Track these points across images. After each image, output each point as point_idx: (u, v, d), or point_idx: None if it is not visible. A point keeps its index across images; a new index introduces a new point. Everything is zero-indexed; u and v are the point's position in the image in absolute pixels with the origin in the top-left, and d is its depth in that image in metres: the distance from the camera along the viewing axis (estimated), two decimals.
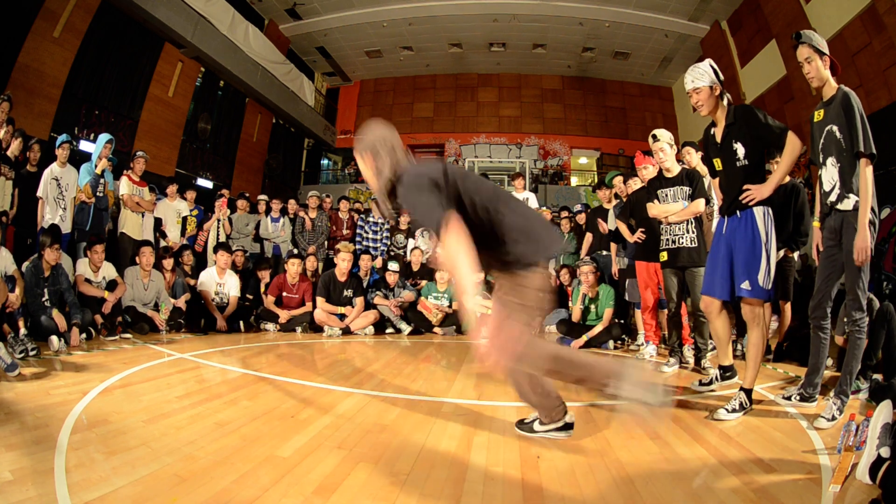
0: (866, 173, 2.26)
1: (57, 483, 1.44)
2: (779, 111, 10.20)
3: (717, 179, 2.73)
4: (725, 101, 2.54)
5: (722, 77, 2.55)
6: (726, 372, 2.92)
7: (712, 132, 2.65)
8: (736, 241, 2.48)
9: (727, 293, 2.53)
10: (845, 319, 2.50)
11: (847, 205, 2.34)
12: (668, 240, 3.56)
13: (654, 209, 3.61)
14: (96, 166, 5.17)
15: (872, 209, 2.30)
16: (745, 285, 2.42)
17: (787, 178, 4.06)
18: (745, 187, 2.45)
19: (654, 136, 3.56)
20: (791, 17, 9.48)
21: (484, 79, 16.49)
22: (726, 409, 2.38)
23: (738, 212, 2.49)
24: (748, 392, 2.44)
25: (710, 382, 2.95)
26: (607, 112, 16.20)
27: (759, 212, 2.43)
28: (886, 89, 7.55)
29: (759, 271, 2.39)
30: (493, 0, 12.54)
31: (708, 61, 2.56)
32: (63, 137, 5.14)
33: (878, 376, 2.91)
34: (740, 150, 2.48)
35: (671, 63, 14.44)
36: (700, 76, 2.50)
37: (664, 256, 3.59)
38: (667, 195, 3.58)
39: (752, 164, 2.47)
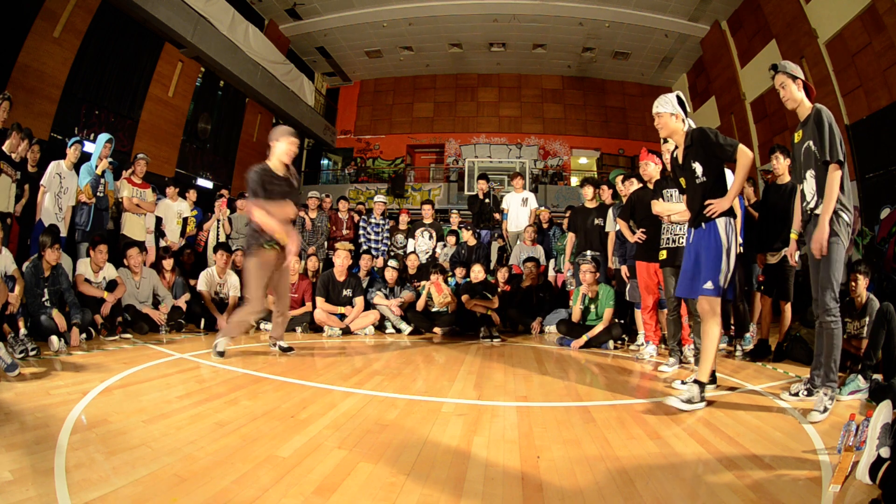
0: (832, 177, 2.48)
1: (57, 483, 1.44)
2: (778, 111, 10.20)
3: (685, 197, 2.97)
4: (686, 127, 2.84)
5: (688, 108, 2.88)
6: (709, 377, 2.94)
7: (675, 155, 2.95)
8: (701, 249, 2.72)
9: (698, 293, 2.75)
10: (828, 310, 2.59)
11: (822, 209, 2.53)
12: (668, 239, 3.60)
13: (657, 206, 3.66)
14: (96, 167, 5.17)
15: (846, 210, 2.51)
16: (708, 285, 2.66)
17: (788, 179, 4.07)
18: (707, 202, 2.68)
19: (665, 138, 3.60)
20: (791, 17, 9.48)
21: (484, 79, 16.50)
22: (679, 398, 2.47)
23: (703, 224, 2.73)
24: (702, 385, 2.53)
25: (686, 382, 2.93)
26: (607, 112, 16.21)
27: (721, 223, 2.66)
28: (886, 89, 7.54)
29: (720, 274, 2.64)
30: (493, 0, 12.55)
31: (676, 93, 2.90)
32: (75, 138, 5.17)
33: (878, 376, 2.91)
34: (698, 168, 2.76)
35: (671, 63, 14.44)
36: (663, 103, 2.88)
37: (663, 255, 3.62)
38: (671, 195, 3.63)
39: (710, 180, 2.73)
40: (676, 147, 2.93)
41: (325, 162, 17.61)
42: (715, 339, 2.65)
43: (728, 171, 3.94)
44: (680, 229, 3.54)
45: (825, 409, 2.33)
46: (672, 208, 3.56)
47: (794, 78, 2.64)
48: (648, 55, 14.27)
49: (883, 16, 7.51)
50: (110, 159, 5.32)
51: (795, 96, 2.66)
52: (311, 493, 1.49)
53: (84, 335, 3.96)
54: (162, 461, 1.65)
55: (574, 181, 15.84)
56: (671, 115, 2.84)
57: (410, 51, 15.02)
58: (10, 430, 1.87)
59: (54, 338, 3.52)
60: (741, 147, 2.62)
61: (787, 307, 4.14)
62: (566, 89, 16.32)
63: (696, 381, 2.56)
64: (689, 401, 2.47)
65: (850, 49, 8.18)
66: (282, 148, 3.55)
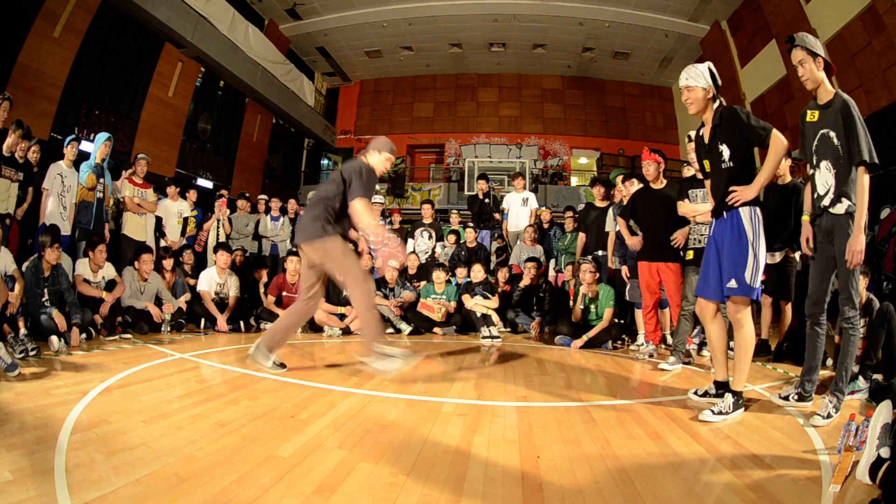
0: (864, 180, 2.31)
1: (57, 483, 1.44)
2: (779, 111, 10.21)
3: (708, 182, 2.69)
4: (717, 104, 2.55)
5: (720, 82, 2.56)
6: (719, 389, 2.63)
7: (701, 133, 2.65)
8: (724, 241, 2.47)
9: (718, 294, 2.51)
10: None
11: (840, 209, 2.39)
12: (695, 239, 3.65)
13: (683, 208, 3.66)
14: (95, 163, 5.16)
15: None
16: (732, 283, 2.40)
17: (789, 178, 4.07)
18: (730, 189, 2.45)
19: (689, 137, 3.60)
20: (791, 17, 9.49)
21: (484, 79, 16.50)
22: (711, 411, 2.33)
23: (724, 213, 2.49)
24: (737, 394, 2.39)
25: (706, 395, 2.71)
26: (607, 112, 16.21)
27: (745, 211, 2.42)
28: (886, 89, 7.55)
29: (745, 269, 2.38)
30: (493, 0, 12.55)
31: (707, 64, 2.57)
32: (71, 136, 5.16)
33: (878, 376, 2.91)
34: (725, 151, 2.48)
35: (671, 63, 14.44)
36: (695, 76, 2.52)
37: (690, 255, 3.66)
38: (697, 195, 3.66)
39: (737, 165, 2.47)
40: (703, 125, 2.66)
41: (325, 162, 17.60)
42: (746, 348, 2.42)
43: None
44: (706, 229, 3.54)
45: (829, 416, 2.27)
46: (697, 209, 3.58)
47: (815, 55, 2.38)
48: (648, 55, 14.27)
49: (883, 16, 7.52)
50: (108, 159, 5.31)
51: (816, 76, 2.40)
52: (311, 493, 1.49)
53: (84, 335, 3.96)
54: (162, 461, 1.65)
55: (574, 181, 15.85)
56: (704, 90, 2.51)
57: (410, 51, 15.02)
58: (10, 430, 1.87)
59: (54, 338, 3.52)
60: (775, 132, 2.36)
61: (788, 307, 4.14)
62: (566, 89, 16.32)
63: (729, 391, 2.41)
64: (720, 413, 2.33)
65: (850, 49, 8.18)
66: (379, 159, 3.36)
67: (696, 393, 2.75)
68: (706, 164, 2.62)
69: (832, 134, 2.39)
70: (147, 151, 6.84)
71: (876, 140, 2.33)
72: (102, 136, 5.26)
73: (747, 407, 2.51)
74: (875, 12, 7.65)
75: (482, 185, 7.41)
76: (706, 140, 2.60)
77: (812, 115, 2.50)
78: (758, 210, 2.43)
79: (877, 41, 7.67)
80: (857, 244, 2.30)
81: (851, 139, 2.30)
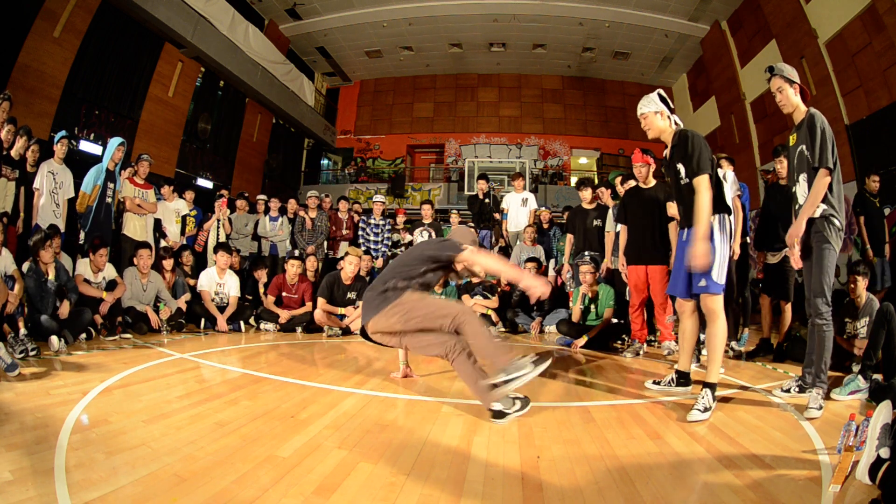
0: (821, 182, 2.52)
1: (57, 483, 1.44)
2: (778, 112, 10.15)
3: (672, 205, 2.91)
4: (672, 125, 2.74)
5: (672, 105, 2.79)
6: (681, 378, 2.87)
7: (665, 153, 2.86)
8: None
9: (687, 292, 2.72)
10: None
11: (816, 213, 2.59)
12: None
13: (672, 209, 3.67)
14: (108, 167, 5.15)
15: (837, 216, 2.54)
16: (702, 282, 2.58)
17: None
18: (689, 256, 2.55)
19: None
20: (791, 17, 9.48)
21: (484, 79, 16.50)
22: (698, 410, 2.37)
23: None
24: (712, 387, 2.45)
25: (660, 383, 2.93)
26: (607, 112, 16.21)
27: (714, 219, 2.58)
28: (886, 89, 7.54)
29: (713, 269, 2.54)
30: (493, 0, 12.55)
31: (657, 91, 2.80)
32: (62, 133, 5.12)
33: (878, 376, 2.91)
34: (682, 169, 2.67)
35: (671, 63, 14.43)
36: (646, 104, 2.75)
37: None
38: None
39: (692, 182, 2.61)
40: (667, 146, 2.83)
41: (325, 162, 17.60)
42: (717, 340, 2.56)
43: (730, 172, 3.96)
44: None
45: (820, 407, 2.42)
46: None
47: (791, 82, 2.65)
48: (648, 55, 14.27)
49: (883, 16, 7.51)
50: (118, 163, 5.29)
51: (792, 101, 2.67)
52: (311, 493, 1.49)
53: (84, 335, 3.96)
54: (162, 461, 1.65)
55: (574, 181, 15.85)
56: (655, 113, 2.72)
57: (410, 51, 15.02)
58: (10, 430, 1.87)
59: (54, 338, 3.52)
60: (702, 180, 2.49)
61: (788, 307, 4.15)
62: (566, 89, 16.32)
63: (706, 385, 2.46)
64: (706, 409, 2.38)
65: (850, 49, 8.18)
66: None
67: (655, 382, 2.96)
68: (669, 180, 2.86)
69: (804, 147, 2.61)
70: (147, 151, 6.84)
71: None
72: (115, 142, 5.23)
73: (730, 399, 2.62)
74: (875, 12, 7.65)
75: (482, 185, 7.41)
76: (668, 158, 2.81)
77: (792, 139, 2.75)
78: (727, 216, 2.64)
79: (877, 41, 7.66)
80: (795, 229, 2.57)
81: (813, 146, 2.51)
